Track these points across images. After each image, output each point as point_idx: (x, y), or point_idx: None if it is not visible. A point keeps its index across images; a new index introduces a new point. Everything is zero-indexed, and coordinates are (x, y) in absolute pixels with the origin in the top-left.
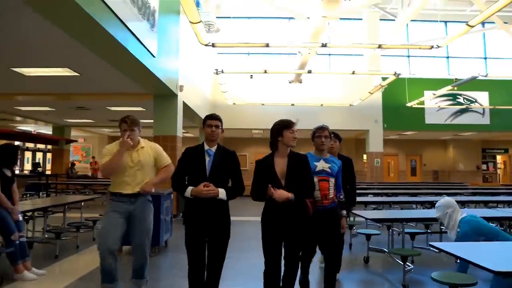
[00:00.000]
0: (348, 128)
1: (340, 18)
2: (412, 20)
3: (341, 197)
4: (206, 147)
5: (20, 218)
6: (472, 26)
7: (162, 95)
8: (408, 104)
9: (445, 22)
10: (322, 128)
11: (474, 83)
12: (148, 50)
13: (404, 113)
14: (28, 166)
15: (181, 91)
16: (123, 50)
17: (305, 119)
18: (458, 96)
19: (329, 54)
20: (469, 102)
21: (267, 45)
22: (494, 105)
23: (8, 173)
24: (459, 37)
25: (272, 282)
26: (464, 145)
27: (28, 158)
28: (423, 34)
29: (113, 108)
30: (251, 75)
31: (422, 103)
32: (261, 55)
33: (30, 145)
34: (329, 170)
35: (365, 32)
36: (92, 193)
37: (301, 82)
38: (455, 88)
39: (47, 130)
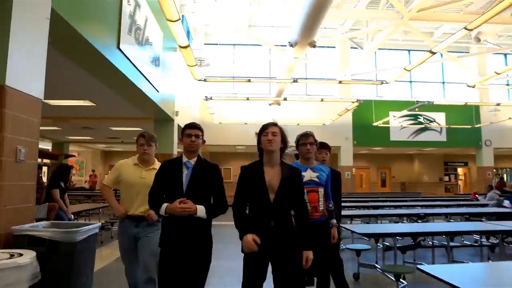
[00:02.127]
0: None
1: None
2: (379, 49)
3: (330, 205)
4: (184, 159)
5: (72, 217)
6: (409, 70)
7: (161, 119)
8: (374, 124)
9: (409, 50)
10: (306, 135)
11: (432, 105)
12: (155, 87)
13: (372, 131)
14: None
15: (176, 116)
16: (136, 89)
17: None
18: (419, 116)
19: (306, 78)
20: (428, 122)
21: (249, 80)
22: (450, 124)
23: (63, 185)
24: (400, 77)
25: None
26: (427, 159)
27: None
28: (390, 61)
29: (114, 128)
30: (232, 94)
31: (387, 122)
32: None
33: None
34: (317, 179)
35: (338, 59)
36: (93, 202)
37: (279, 105)
38: (417, 110)
39: (45, 145)
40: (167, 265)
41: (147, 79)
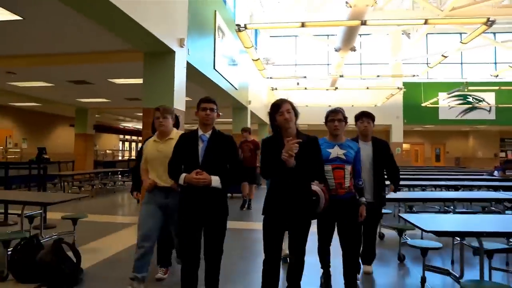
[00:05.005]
0: (375, 123)
1: (366, 35)
2: (429, 33)
3: (360, 183)
4: (200, 132)
5: None
6: (431, 67)
7: (238, 107)
8: (423, 104)
9: (460, 33)
10: (335, 111)
11: (482, 85)
12: (234, 86)
13: (421, 110)
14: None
15: (249, 104)
16: (223, 90)
17: None
18: (468, 96)
19: (360, 64)
20: (477, 101)
21: (305, 77)
22: (500, 103)
23: None
24: (424, 73)
25: (272, 281)
26: (483, 136)
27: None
28: (442, 44)
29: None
30: (298, 83)
31: (436, 103)
32: (306, 66)
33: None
34: (344, 157)
35: (390, 45)
36: None
37: (335, 89)
38: (466, 90)
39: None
40: (185, 232)
41: (229, 82)
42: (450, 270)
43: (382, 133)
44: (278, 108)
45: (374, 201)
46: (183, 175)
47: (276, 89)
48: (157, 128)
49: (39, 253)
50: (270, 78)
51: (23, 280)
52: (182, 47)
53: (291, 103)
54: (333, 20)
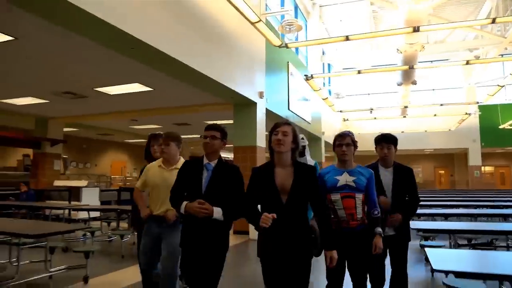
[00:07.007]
0: (450, 147)
1: (433, 61)
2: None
3: (376, 212)
4: (205, 160)
5: None
6: (492, 95)
7: (314, 138)
8: (501, 127)
9: None
10: (343, 135)
11: None
12: (307, 121)
13: (500, 132)
14: None
15: (323, 135)
16: (298, 127)
17: (413, 143)
18: None
19: (433, 90)
20: None
21: (372, 109)
22: None
23: None
24: (495, 93)
25: None
26: None
27: None
28: None
29: None
30: (371, 111)
31: None
32: (376, 95)
33: None
34: (353, 184)
35: (461, 69)
36: None
37: (405, 117)
38: None
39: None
40: (187, 263)
41: (302, 118)
42: None
43: (460, 156)
44: (276, 127)
45: (396, 233)
46: (184, 203)
47: (347, 119)
48: (160, 155)
49: None
50: (340, 111)
51: None
52: (262, 98)
53: (293, 129)
54: (384, 66)
